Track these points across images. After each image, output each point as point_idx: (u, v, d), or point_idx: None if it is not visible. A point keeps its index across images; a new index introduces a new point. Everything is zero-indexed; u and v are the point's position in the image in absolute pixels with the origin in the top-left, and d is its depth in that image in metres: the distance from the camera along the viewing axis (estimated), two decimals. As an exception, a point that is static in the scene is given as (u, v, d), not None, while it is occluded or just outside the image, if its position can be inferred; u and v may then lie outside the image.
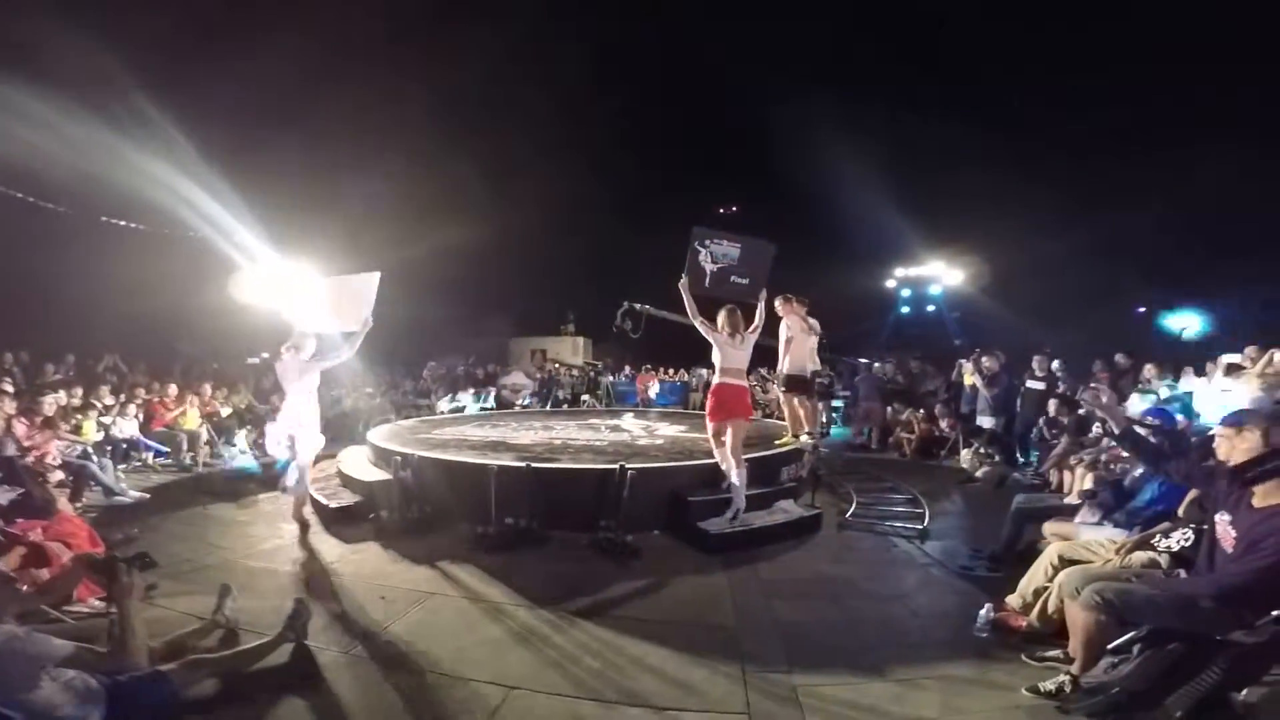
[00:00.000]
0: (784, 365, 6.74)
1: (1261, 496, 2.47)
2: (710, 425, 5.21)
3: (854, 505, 5.91)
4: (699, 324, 5.30)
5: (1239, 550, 2.47)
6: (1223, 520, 2.58)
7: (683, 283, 5.33)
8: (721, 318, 5.28)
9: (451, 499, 5.22)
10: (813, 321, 6.72)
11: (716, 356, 5.24)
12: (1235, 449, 2.63)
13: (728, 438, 5.01)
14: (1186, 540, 2.96)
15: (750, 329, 5.30)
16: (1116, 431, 3.14)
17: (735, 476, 4.93)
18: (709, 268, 5.44)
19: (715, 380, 5.26)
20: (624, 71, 17.64)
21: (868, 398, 10.74)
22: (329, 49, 12.51)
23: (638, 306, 8.50)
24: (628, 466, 4.93)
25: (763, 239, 5.67)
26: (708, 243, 5.43)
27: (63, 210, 10.45)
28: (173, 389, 8.86)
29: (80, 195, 10.49)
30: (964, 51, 15.78)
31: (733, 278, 5.51)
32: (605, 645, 3.23)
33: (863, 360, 11.86)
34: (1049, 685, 2.69)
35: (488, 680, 2.85)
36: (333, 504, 5.50)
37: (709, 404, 5.29)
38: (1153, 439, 3.42)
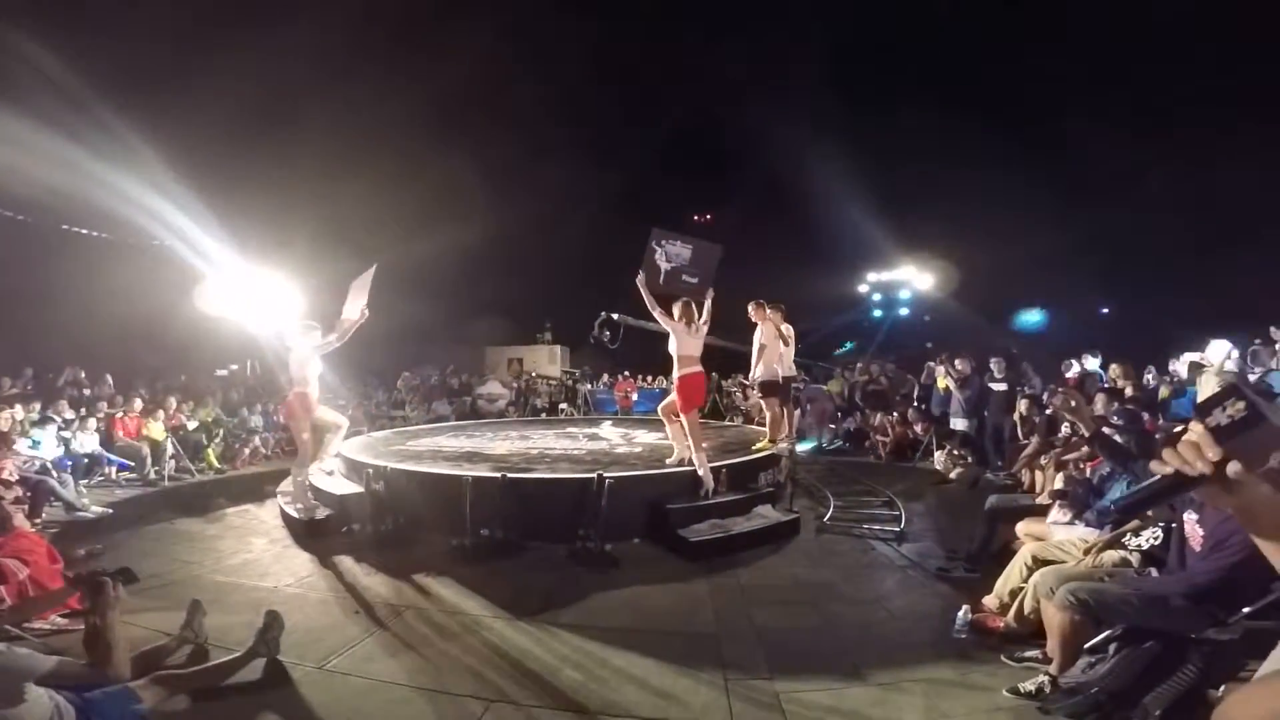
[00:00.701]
0: (757, 370, 6.78)
1: None
2: (686, 418, 5.45)
3: (831, 509, 5.94)
4: (658, 314, 5.55)
5: (1207, 548, 2.52)
6: (1190, 519, 2.63)
7: (640, 279, 5.59)
8: (677, 309, 5.60)
9: (426, 511, 5.14)
10: (786, 328, 6.78)
11: (675, 346, 5.54)
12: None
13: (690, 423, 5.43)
14: (1156, 539, 3.02)
15: (702, 321, 5.64)
16: (1086, 434, 3.20)
17: (698, 460, 5.33)
18: (663, 266, 5.73)
19: (680, 371, 5.51)
20: (599, 82, 17.69)
21: (813, 400, 10.84)
22: (300, 55, 12.33)
23: (615, 316, 8.47)
24: (606, 475, 4.89)
25: (713, 242, 5.96)
26: (664, 243, 5.73)
27: (22, 219, 10.12)
28: (137, 402, 8.61)
29: (42, 203, 10.18)
30: (937, 57, 16.10)
31: (684, 276, 5.81)
32: (586, 656, 3.19)
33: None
34: (1029, 686, 2.71)
35: (467, 694, 2.80)
36: (305, 517, 5.37)
37: (680, 397, 5.50)
38: (1119, 439, 3.49)
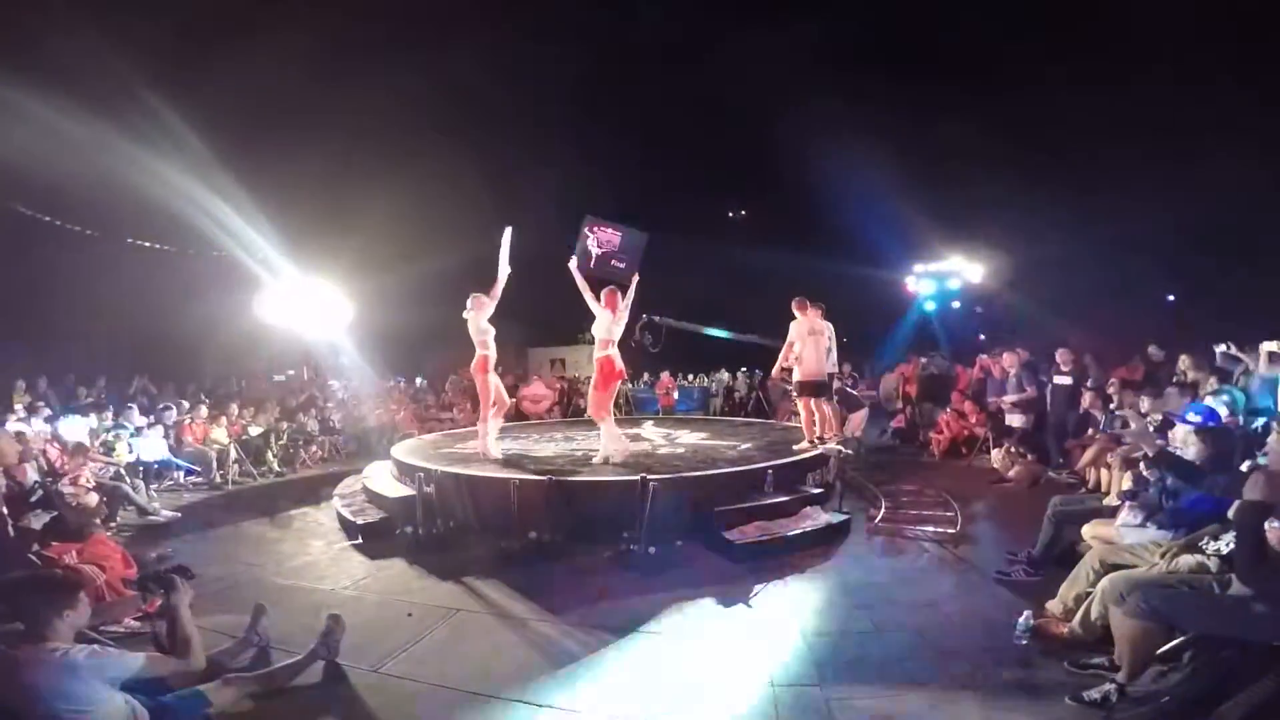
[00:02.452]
0: (797, 369, 6.67)
1: None
2: (601, 394, 6.04)
3: (883, 509, 5.80)
4: (589, 298, 5.97)
5: None
6: (1273, 526, 2.46)
7: (572, 264, 6.08)
8: (605, 295, 5.91)
9: (475, 514, 5.23)
10: (826, 324, 6.69)
11: (600, 329, 5.95)
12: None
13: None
14: (1236, 543, 2.83)
15: (625, 304, 5.99)
16: (1150, 454, 3.03)
17: (606, 429, 6.03)
18: (595, 251, 6.23)
19: (600, 353, 5.98)
20: (634, 76, 17.62)
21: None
22: (338, 64, 12.70)
23: (657, 319, 8.44)
24: (650, 478, 4.88)
25: (639, 230, 6.48)
26: (595, 229, 6.23)
27: (89, 233, 10.69)
28: (203, 409, 9.01)
29: (106, 215, 10.73)
30: (980, 45, 15.49)
31: (613, 261, 6.31)
32: (632, 660, 3.19)
33: None
34: (1094, 694, 2.59)
35: (516, 698, 2.83)
36: (359, 520, 5.53)
37: (613, 370, 6.03)
38: (1194, 449, 3.30)
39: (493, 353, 6.25)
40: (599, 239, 6.25)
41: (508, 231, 6.23)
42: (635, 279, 6.20)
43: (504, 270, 6.22)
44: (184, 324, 12.02)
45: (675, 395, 14.28)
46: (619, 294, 5.94)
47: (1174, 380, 6.22)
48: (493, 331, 6.23)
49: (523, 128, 16.85)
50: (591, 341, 18.08)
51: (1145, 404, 5.83)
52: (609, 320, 5.89)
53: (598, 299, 5.92)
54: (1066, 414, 7.66)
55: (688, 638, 3.43)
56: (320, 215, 12.94)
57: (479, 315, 6.14)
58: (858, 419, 9.68)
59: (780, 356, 6.96)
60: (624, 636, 3.44)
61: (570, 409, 13.55)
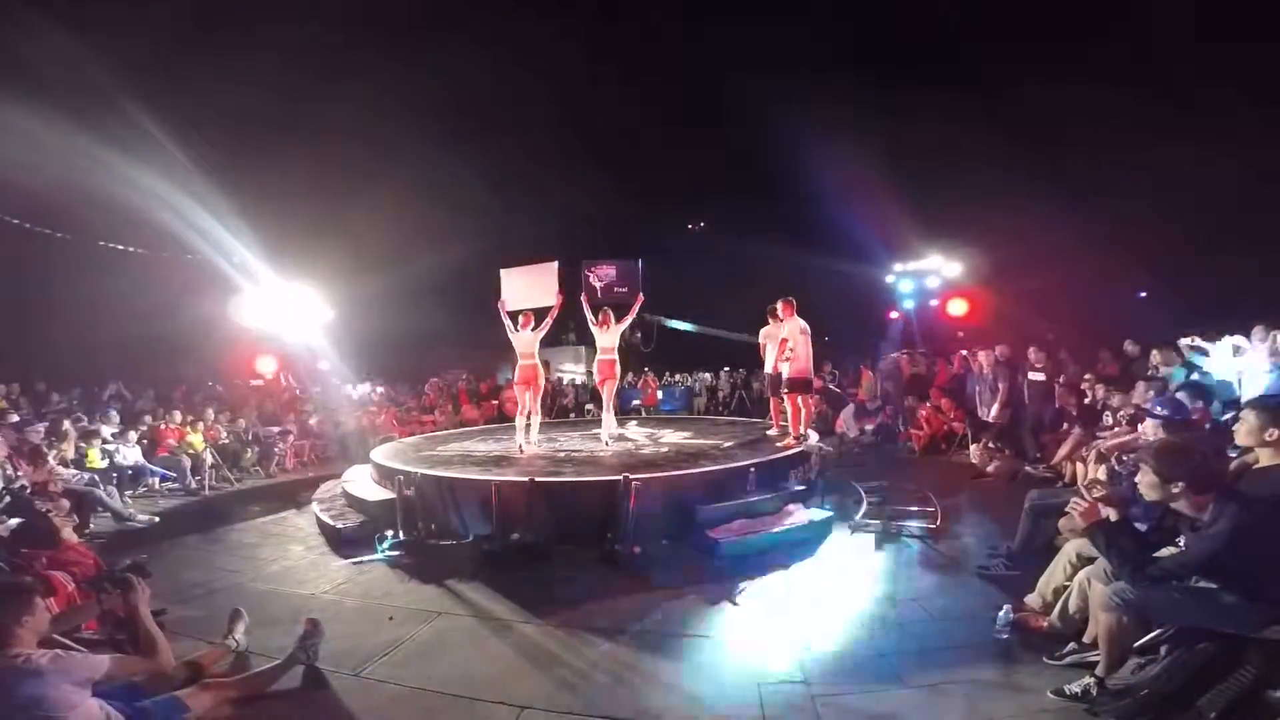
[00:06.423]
0: (786, 367, 6.73)
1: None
2: (607, 387, 7.39)
3: (865, 506, 5.83)
4: (590, 319, 7.31)
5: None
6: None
7: (582, 298, 7.40)
8: (601, 315, 7.25)
9: (456, 516, 5.17)
10: (803, 324, 6.80)
11: (597, 340, 7.31)
12: (1141, 481, 2.62)
13: (606, 392, 7.37)
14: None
15: (619, 321, 7.28)
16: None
17: (610, 414, 7.32)
18: (597, 285, 7.63)
19: (599, 357, 7.32)
20: (621, 72, 17.66)
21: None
22: (322, 71, 12.56)
23: (648, 317, 8.48)
24: (633, 477, 4.87)
25: (632, 260, 7.72)
26: (592, 269, 7.65)
27: (60, 236, 10.46)
28: (177, 414, 8.85)
29: (82, 220, 10.53)
30: (959, 43, 15.69)
31: (615, 289, 7.64)
32: (615, 661, 3.18)
33: None
34: (1075, 687, 2.62)
35: (498, 700, 2.81)
36: (339, 524, 5.46)
37: (601, 374, 7.36)
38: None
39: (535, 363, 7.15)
40: (597, 275, 7.62)
41: (554, 265, 7.23)
42: (640, 299, 7.36)
43: (558, 297, 7.09)
44: (161, 328, 11.82)
45: (659, 395, 14.28)
46: (610, 314, 7.20)
47: (1147, 374, 6.34)
48: (537, 346, 7.11)
49: (507, 134, 16.82)
50: (574, 342, 18.53)
51: (1117, 399, 5.94)
52: (599, 334, 7.21)
53: (596, 321, 7.23)
54: (1042, 409, 7.78)
55: (672, 638, 3.42)
56: (300, 220, 12.79)
57: (536, 337, 6.99)
58: (845, 416, 9.76)
59: (775, 359, 7.17)
60: (608, 638, 3.42)
61: (555, 409, 13.49)
